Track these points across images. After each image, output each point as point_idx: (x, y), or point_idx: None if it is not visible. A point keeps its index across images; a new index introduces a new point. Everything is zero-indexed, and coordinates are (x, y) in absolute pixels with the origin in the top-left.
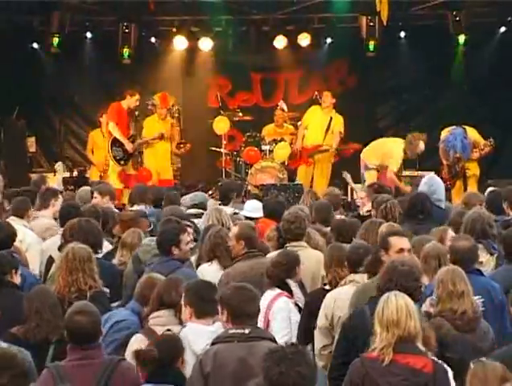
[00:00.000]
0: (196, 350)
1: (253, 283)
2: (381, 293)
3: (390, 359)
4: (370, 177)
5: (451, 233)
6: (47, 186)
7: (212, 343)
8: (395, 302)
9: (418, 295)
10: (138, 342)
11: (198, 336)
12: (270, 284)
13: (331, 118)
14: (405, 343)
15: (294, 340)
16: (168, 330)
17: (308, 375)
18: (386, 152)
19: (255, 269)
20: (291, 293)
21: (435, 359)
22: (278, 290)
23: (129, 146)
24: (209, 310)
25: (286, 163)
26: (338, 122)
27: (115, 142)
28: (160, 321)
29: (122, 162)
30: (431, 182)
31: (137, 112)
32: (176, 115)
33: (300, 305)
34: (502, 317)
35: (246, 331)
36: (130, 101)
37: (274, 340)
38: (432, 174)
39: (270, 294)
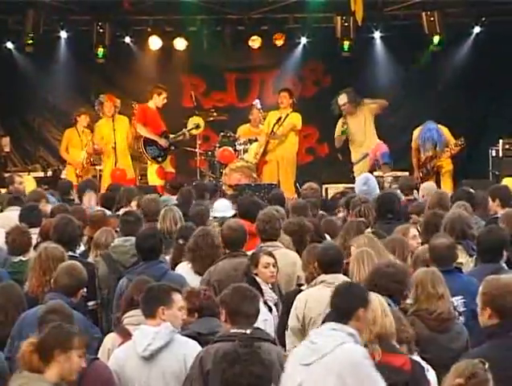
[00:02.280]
0: (138, 351)
1: (234, 282)
2: None
3: (380, 355)
4: (361, 168)
5: (413, 231)
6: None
7: (214, 342)
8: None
9: (399, 298)
10: (111, 341)
11: (142, 337)
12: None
13: (287, 115)
14: (384, 342)
15: None
16: None
17: (263, 375)
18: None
19: (238, 269)
20: (261, 291)
21: (412, 356)
22: None
23: (162, 142)
24: (149, 312)
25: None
26: (292, 117)
27: (147, 142)
28: (133, 320)
29: (160, 159)
30: (368, 182)
31: None
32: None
33: (270, 304)
34: None
35: (248, 331)
36: (158, 100)
37: (274, 342)
38: (366, 173)
39: None
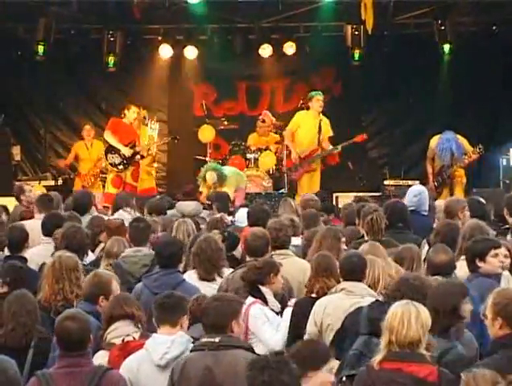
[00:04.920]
0: (154, 359)
1: None
2: (387, 301)
3: (378, 365)
4: None
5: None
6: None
7: (190, 351)
8: (394, 309)
9: None
10: (100, 357)
11: (156, 345)
12: (245, 288)
13: (320, 121)
14: (408, 351)
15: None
16: (134, 338)
17: (291, 384)
18: None
19: None
20: (265, 301)
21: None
22: (251, 299)
23: (125, 151)
24: (172, 320)
25: (271, 172)
26: (327, 125)
27: (110, 150)
28: (117, 333)
29: (121, 167)
30: (420, 195)
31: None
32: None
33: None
34: (478, 326)
35: (216, 340)
36: (129, 116)
37: (248, 348)
38: (420, 185)
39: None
